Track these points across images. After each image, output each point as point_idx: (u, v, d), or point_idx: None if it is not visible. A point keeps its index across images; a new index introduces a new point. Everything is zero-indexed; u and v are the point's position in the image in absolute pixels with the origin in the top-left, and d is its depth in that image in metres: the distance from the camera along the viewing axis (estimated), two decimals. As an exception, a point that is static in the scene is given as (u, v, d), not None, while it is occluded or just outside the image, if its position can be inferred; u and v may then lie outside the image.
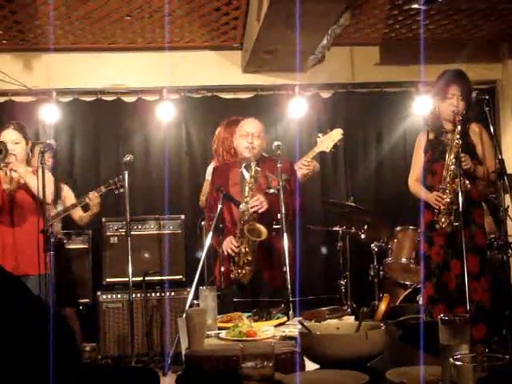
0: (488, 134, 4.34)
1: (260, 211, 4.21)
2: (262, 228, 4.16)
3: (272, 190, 4.27)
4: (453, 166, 4.18)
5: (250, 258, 4.20)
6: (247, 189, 4.26)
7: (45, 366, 2.07)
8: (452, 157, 4.20)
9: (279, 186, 4.08)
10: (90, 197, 5.24)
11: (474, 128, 4.35)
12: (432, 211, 4.29)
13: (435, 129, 4.44)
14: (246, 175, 4.40)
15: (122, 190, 5.31)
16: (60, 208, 5.41)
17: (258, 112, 5.94)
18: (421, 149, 4.49)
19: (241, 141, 4.44)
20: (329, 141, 5.20)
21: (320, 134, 5.35)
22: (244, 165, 4.46)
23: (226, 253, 4.24)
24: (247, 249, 4.19)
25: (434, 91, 4.50)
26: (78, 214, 5.41)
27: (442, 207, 4.21)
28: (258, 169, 4.31)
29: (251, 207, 4.19)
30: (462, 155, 4.14)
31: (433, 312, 4.09)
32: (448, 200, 4.19)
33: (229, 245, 4.24)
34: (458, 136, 4.19)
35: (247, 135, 4.40)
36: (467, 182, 4.13)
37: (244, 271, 4.21)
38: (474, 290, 4.05)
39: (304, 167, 5.10)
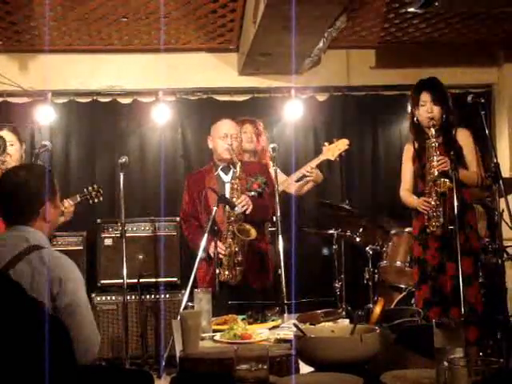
0: (473, 139, 4.41)
1: (247, 212, 4.22)
2: (251, 228, 4.17)
3: (253, 193, 4.30)
4: (433, 169, 4.25)
5: (240, 259, 4.21)
6: (230, 189, 4.28)
7: (39, 366, 2.06)
8: (431, 160, 4.26)
9: (260, 189, 4.14)
10: (65, 205, 5.21)
11: (461, 132, 4.41)
12: (423, 215, 4.34)
13: (418, 137, 4.50)
14: (224, 177, 4.43)
15: (96, 200, 5.32)
16: None
17: (254, 114, 5.94)
18: (408, 159, 4.58)
19: (219, 142, 4.43)
20: (334, 149, 5.33)
21: (326, 143, 5.45)
22: (221, 167, 4.46)
23: (212, 256, 4.23)
24: (237, 249, 4.20)
25: (410, 102, 4.59)
26: None
27: (430, 211, 4.26)
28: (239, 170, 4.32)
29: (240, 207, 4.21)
30: (441, 157, 4.22)
31: (428, 315, 4.09)
32: (433, 203, 4.25)
33: (215, 247, 4.23)
34: (433, 139, 4.29)
35: (226, 136, 4.40)
36: (447, 180, 4.17)
37: (234, 272, 4.21)
38: (468, 293, 4.07)
39: (308, 173, 5.17)
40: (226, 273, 4.20)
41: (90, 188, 5.33)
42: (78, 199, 5.26)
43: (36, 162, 4.82)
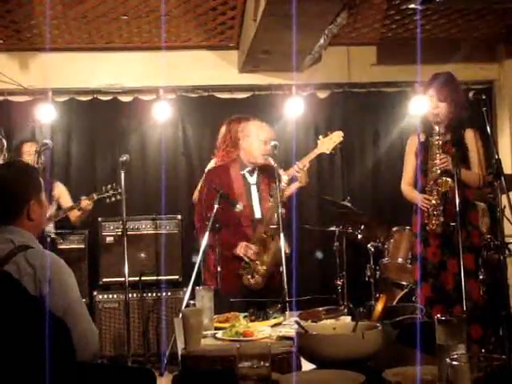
0: (482, 140, 4.36)
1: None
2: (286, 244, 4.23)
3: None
4: (435, 167, 4.22)
5: (266, 268, 4.24)
6: (269, 207, 4.30)
7: (40, 365, 2.06)
8: (434, 157, 4.24)
9: (284, 199, 4.18)
10: (82, 203, 5.29)
11: (468, 133, 4.37)
12: (423, 212, 4.32)
13: (426, 130, 4.46)
14: (250, 179, 4.44)
15: (113, 199, 5.34)
16: (54, 208, 5.41)
17: (255, 112, 5.92)
18: (412, 152, 4.51)
19: (258, 145, 4.42)
20: (329, 143, 5.23)
21: (320, 136, 5.37)
22: (248, 169, 4.45)
23: (242, 255, 4.26)
24: (268, 259, 4.23)
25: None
26: (74, 214, 5.47)
27: (430, 209, 4.23)
28: (284, 181, 4.34)
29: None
30: (443, 156, 4.17)
31: (431, 313, 4.08)
32: (434, 202, 4.22)
33: (246, 249, 4.25)
34: (438, 137, 4.23)
35: (266, 143, 4.39)
36: (449, 180, 4.14)
37: (259, 280, 4.25)
38: (471, 289, 4.06)
39: (297, 173, 5.11)
40: (249, 277, 4.25)
41: (108, 186, 5.35)
42: (95, 197, 5.30)
43: (38, 161, 4.81)
